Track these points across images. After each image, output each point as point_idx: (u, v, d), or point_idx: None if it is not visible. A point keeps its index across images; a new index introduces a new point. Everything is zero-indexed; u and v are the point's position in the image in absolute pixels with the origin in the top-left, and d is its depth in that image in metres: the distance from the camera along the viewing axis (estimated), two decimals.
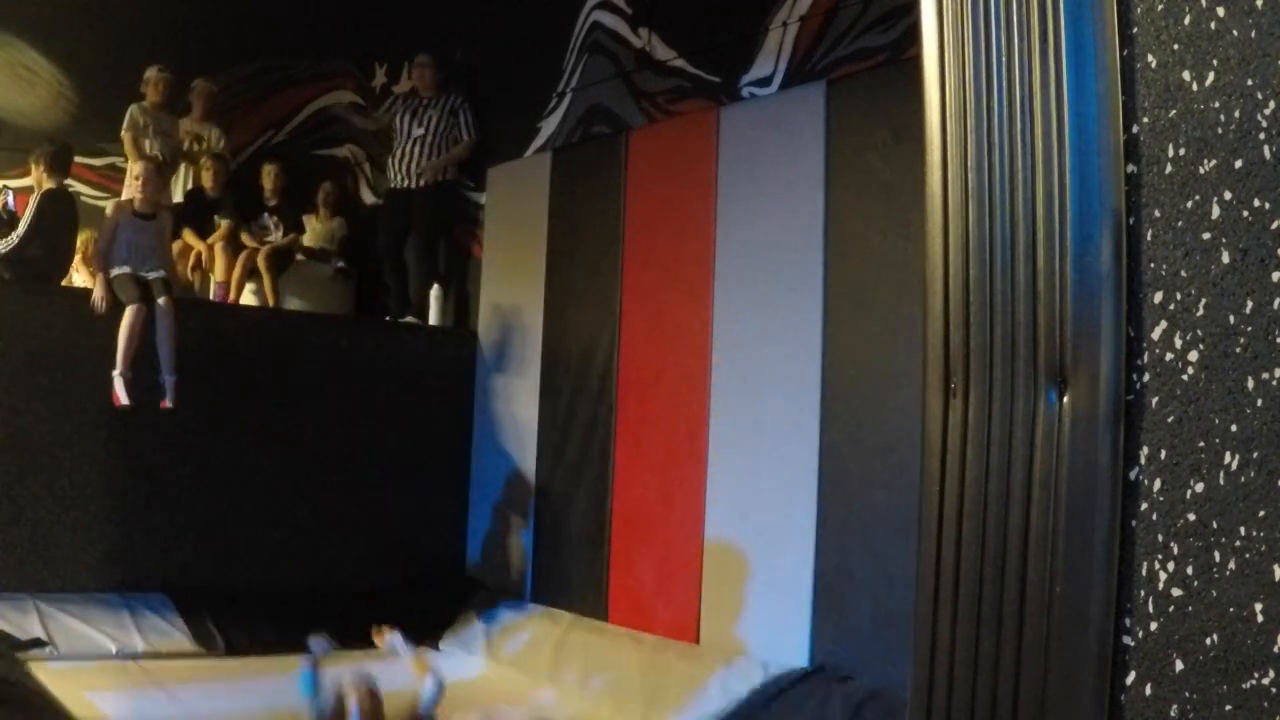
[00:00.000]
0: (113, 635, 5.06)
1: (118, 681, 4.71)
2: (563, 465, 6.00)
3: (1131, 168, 1.54)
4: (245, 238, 7.20)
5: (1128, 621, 1.50)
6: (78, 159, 7.46)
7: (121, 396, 5.29)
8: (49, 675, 4.49)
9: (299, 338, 6.27)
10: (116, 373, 5.29)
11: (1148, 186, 1.52)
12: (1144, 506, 1.50)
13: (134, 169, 5.87)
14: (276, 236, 7.30)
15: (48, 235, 5.78)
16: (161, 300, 5.45)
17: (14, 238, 5.66)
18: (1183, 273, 1.48)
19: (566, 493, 5.96)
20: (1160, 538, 1.48)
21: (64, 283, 6.58)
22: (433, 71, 7.05)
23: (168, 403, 5.41)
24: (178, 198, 7.13)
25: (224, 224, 6.98)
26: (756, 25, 5.24)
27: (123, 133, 6.78)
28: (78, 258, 7.09)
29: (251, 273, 7.07)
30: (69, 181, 6.39)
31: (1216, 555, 1.42)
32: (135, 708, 4.42)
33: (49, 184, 5.86)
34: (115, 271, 5.49)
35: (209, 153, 7.20)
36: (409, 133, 6.96)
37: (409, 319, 6.97)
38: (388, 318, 7.06)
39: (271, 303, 7.05)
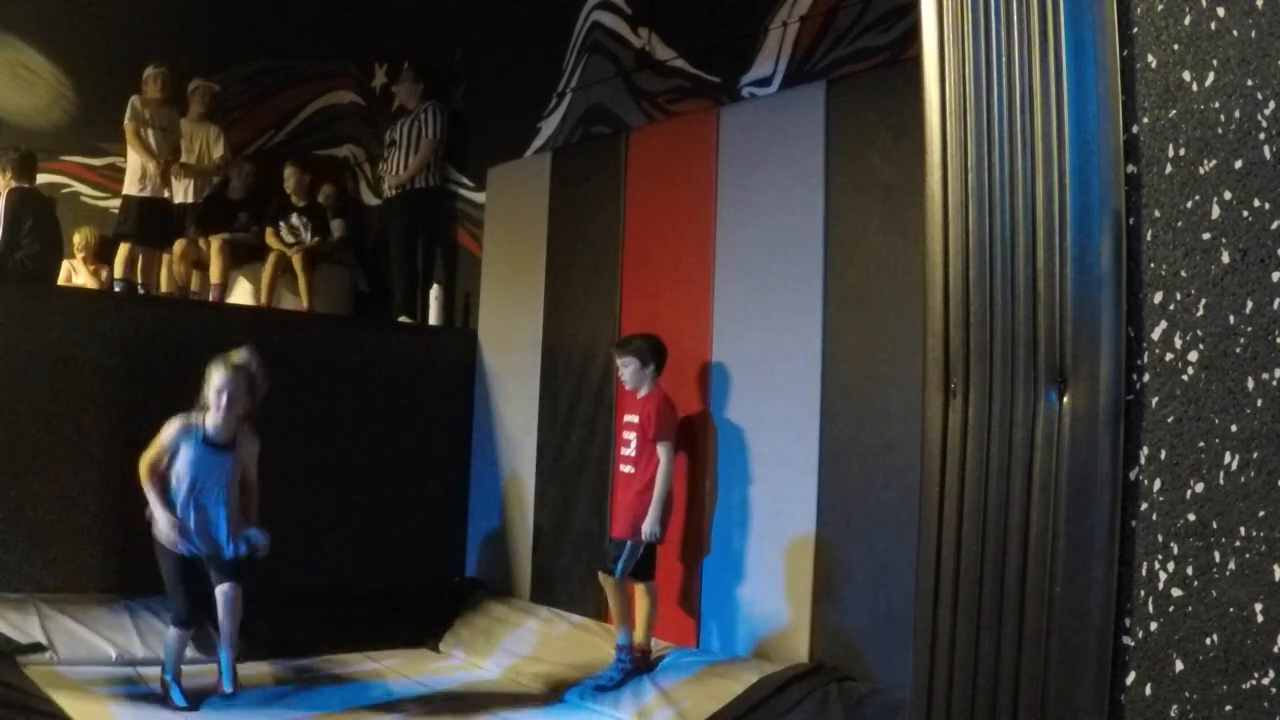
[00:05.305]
0: (112, 640, 5.03)
1: (117, 684, 4.70)
2: (563, 465, 5.99)
3: (1131, 168, 1.54)
4: (271, 239, 7.23)
5: (1128, 621, 1.50)
6: (77, 159, 7.51)
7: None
8: (48, 678, 4.49)
9: (299, 338, 6.26)
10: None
11: (1148, 186, 1.52)
12: (1144, 506, 1.50)
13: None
14: (307, 237, 7.31)
15: (26, 229, 5.84)
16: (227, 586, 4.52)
17: None
18: (1183, 273, 1.48)
19: (566, 493, 5.95)
20: (1160, 538, 1.48)
21: (62, 282, 6.61)
22: (417, 84, 7.22)
23: (226, 688, 4.52)
24: (180, 198, 7.14)
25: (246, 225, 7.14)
26: (756, 25, 5.24)
27: (125, 123, 6.71)
28: (79, 257, 7.12)
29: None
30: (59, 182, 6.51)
31: (1216, 555, 1.42)
32: (134, 710, 4.42)
33: (16, 185, 5.97)
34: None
35: (206, 154, 7.21)
36: (389, 143, 7.28)
37: (404, 319, 7.03)
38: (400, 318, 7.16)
39: (305, 304, 7.07)
